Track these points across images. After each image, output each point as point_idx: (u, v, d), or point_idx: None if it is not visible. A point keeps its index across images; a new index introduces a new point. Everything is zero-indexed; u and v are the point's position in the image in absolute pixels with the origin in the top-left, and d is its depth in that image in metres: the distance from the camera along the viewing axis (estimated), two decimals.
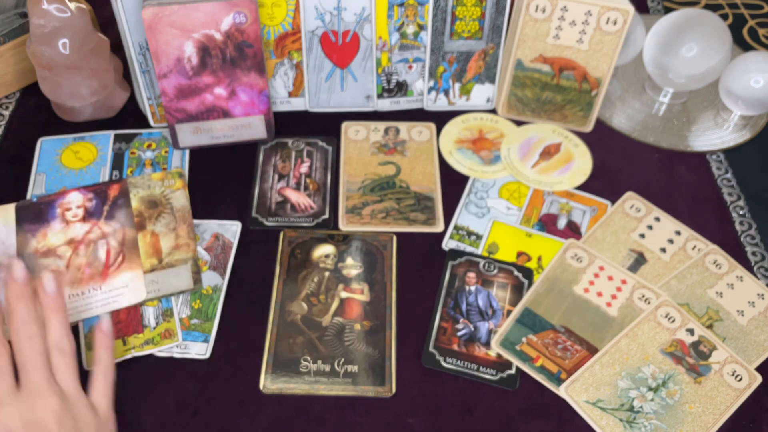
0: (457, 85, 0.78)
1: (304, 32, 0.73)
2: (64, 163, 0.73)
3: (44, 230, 0.65)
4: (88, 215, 0.66)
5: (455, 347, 0.61)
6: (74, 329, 0.60)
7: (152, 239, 0.65)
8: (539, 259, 0.67)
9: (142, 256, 0.64)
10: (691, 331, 0.61)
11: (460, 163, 0.75)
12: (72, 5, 0.68)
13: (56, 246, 0.64)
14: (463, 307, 0.63)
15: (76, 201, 0.67)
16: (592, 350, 0.60)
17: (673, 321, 0.62)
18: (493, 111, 0.81)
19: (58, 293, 0.52)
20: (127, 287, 0.62)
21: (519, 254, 0.67)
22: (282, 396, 0.57)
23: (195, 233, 0.67)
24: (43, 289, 0.51)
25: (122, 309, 0.61)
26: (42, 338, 0.50)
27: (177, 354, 0.60)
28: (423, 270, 0.66)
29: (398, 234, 0.68)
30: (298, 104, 0.79)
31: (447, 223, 0.70)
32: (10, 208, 0.66)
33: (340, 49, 0.75)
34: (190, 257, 0.64)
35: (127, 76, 0.79)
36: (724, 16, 0.96)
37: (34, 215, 0.66)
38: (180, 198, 0.68)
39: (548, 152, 0.76)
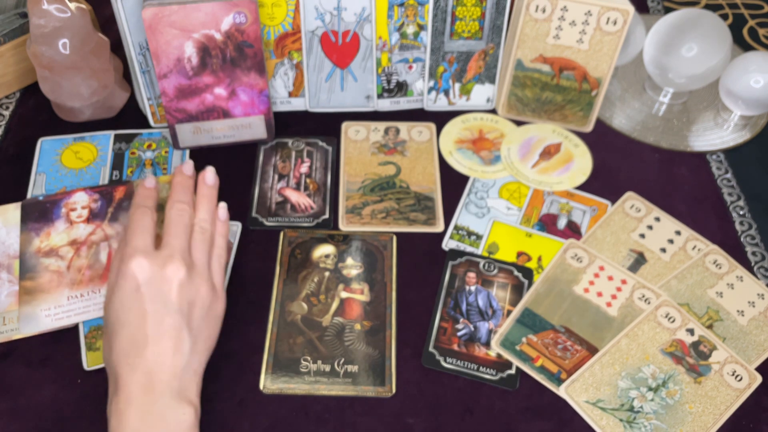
0: (457, 85, 0.78)
1: (304, 32, 0.73)
2: (64, 163, 0.73)
3: (48, 229, 0.65)
4: (93, 216, 0.66)
5: (455, 347, 0.61)
6: (74, 331, 0.60)
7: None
8: (539, 259, 0.67)
9: None
10: (691, 331, 0.61)
11: (460, 163, 0.75)
12: (72, 5, 0.68)
13: (59, 246, 0.64)
14: (463, 307, 0.63)
15: (81, 201, 0.67)
16: (592, 350, 0.60)
17: (673, 321, 0.62)
18: (493, 111, 0.81)
19: (214, 186, 0.60)
20: None
21: (519, 254, 0.67)
22: (282, 396, 0.57)
23: None
24: (204, 180, 0.59)
25: None
26: (190, 216, 0.56)
27: None
28: (423, 270, 0.66)
29: (398, 234, 0.68)
30: (298, 104, 0.79)
31: (447, 223, 0.70)
32: (11, 208, 0.66)
33: (340, 49, 0.75)
34: None
35: (127, 76, 0.79)
36: (724, 16, 0.96)
37: (39, 214, 0.66)
38: None
39: (548, 152, 0.76)
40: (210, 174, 0.60)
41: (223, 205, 0.60)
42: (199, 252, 0.55)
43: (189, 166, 0.60)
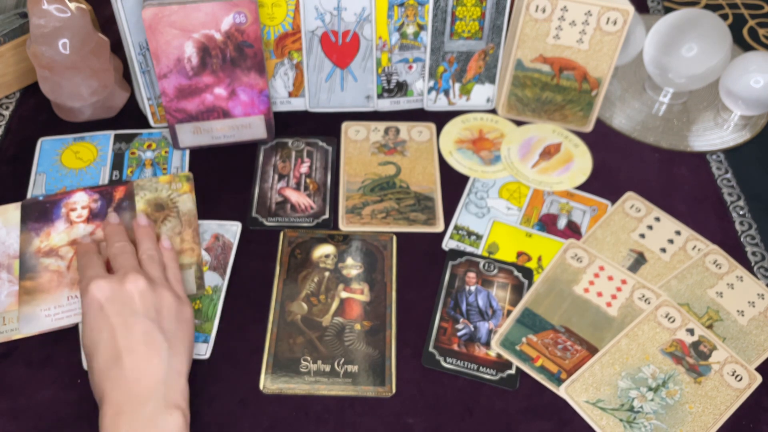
0: (457, 85, 0.78)
1: (304, 32, 0.73)
2: (64, 163, 0.73)
3: (48, 229, 0.65)
4: (93, 216, 0.66)
5: (455, 347, 0.61)
6: (74, 331, 0.60)
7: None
8: (539, 259, 0.67)
9: None
10: (691, 331, 0.61)
11: (460, 163, 0.75)
12: (72, 5, 0.68)
13: (59, 246, 0.64)
14: (463, 307, 0.63)
15: (81, 201, 0.67)
16: (592, 350, 0.60)
17: (673, 321, 0.62)
18: (493, 111, 0.81)
19: (149, 225, 0.62)
20: None
21: (519, 254, 0.67)
22: (282, 396, 0.57)
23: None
24: (137, 223, 0.61)
25: None
26: (133, 250, 0.58)
27: None
28: (423, 270, 0.66)
29: (398, 234, 0.68)
30: (298, 104, 0.79)
31: (447, 223, 0.70)
32: (11, 208, 0.66)
33: (340, 49, 0.75)
34: (194, 262, 0.64)
35: (127, 76, 0.79)
36: (724, 16, 0.96)
37: (39, 214, 0.66)
38: (186, 202, 0.68)
39: (548, 152, 0.76)
40: (141, 217, 0.62)
41: (164, 237, 0.62)
42: (152, 270, 0.57)
43: (113, 215, 0.63)
